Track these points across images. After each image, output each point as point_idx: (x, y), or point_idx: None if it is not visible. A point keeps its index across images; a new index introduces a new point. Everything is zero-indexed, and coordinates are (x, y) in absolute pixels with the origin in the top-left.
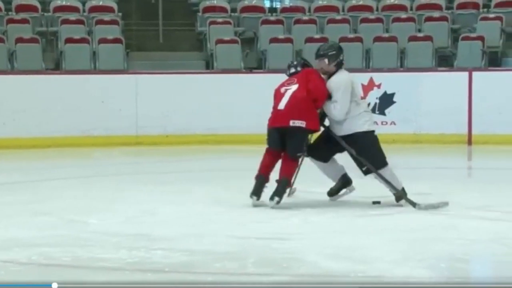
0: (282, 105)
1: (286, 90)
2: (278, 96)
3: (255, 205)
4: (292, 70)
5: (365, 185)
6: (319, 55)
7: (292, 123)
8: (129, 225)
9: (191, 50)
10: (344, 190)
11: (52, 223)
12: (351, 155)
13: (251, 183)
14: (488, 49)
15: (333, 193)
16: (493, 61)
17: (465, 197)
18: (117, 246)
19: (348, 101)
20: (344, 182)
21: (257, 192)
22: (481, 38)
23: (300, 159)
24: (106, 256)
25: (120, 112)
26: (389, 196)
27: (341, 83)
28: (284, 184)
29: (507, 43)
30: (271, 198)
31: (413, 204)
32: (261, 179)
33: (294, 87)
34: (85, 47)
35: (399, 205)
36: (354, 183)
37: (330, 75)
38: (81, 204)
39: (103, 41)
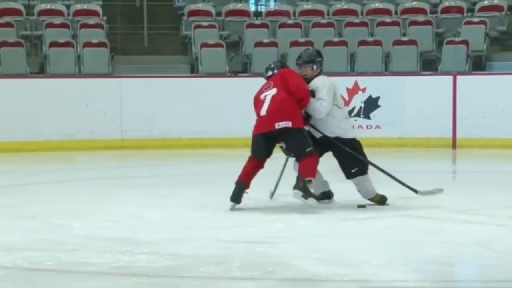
0: (264, 111)
1: (265, 96)
2: (258, 103)
3: (232, 209)
4: (270, 73)
5: (351, 189)
6: (306, 62)
7: (277, 125)
8: (114, 229)
9: (176, 53)
10: (325, 200)
11: (36, 227)
12: (338, 157)
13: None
14: (473, 53)
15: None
16: (477, 65)
17: (450, 201)
18: (101, 251)
19: (331, 101)
20: (326, 196)
21: (236, 197)
22: (465, 42)
23: (288, 158)
24: (91, 260)
25: (105, 116)
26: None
27: (325, 82)
28: (306, 185)
29: (491, 47)
30: (294, 193)
31: (415, 190)
32: (241, 185)
33: (273, 91)
34: (70, 50)
35: (384, 209)
36: (339, 186)
37: (309, 80)
38: (65, 208)
39: (87, 44)
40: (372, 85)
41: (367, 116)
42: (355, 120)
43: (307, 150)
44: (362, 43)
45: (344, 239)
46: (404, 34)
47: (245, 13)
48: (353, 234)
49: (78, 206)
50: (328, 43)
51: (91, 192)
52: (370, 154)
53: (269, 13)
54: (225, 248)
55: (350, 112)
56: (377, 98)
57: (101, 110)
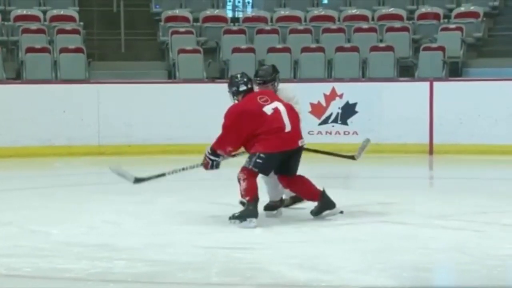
0: (288, 127)
1: (274, 110)
2: (270, 117)
3: (255, 227)
4: (243, 87)
5: (329, 194)
6: (269, 80)
7: (300, 143)
8: (91, 235)
9: (153, 59)
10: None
11: (13, 233)
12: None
13: (214, 193)
14: (449, 59)
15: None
16: (454, 71)
17: (427, 207)
18: (79, 257)
19: None
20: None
21: (254, 213)
22: (442, 49)
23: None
24: (68, 266)
25: (82, 122)
26: (353, 205)
27: (294, 89)
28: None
29: (467, 53)
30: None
31: (351, 157)
32: (256, 202)
33: (279, 105)
34: (46, 56)
35: (362, 215)
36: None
37: None
38: (43, 214)
39: (64, 50)
40: (349, 91)
41: (344, 122)
42: (333, 126)
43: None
44: (339, 49)
45: (322, 244)
46: (381, 40)
47: (222, 19)
48: (330, 239)
49: (56, 212)
50: (305, 49)
51: (68, 198)
52: (347, 160)
53: (247, 19)
54: (204, 254)
55: (327, 118)
56: (354, 104)
57: (78, 116)
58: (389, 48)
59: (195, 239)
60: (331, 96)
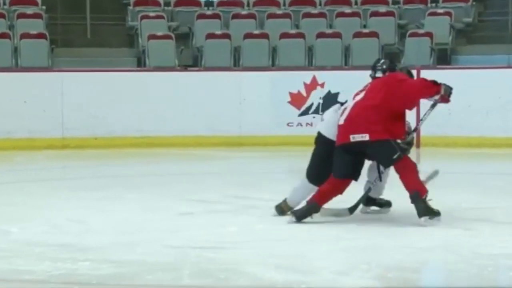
0: (342, 119)
1: (353, 99)
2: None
3: (289, 223)
4: (379, 74)
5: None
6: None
7: (352, 138)
8: (54, 234)
9: (121, 46)
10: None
11: None
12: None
13: (186, 189)
14: (437, 46)
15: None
16: (442, 58)
17: None
18: (40, 257)
19: None
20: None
21: (298, 215)
22: (429, 35)
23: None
24: (29, 268)
25: (45, 113)
26: (336, 202)
27: None
28: (415, 198)
29: (456, 39)
30: (423, 220)
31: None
32: (312, 206)
33: (360, 95)
34: (6, 42)
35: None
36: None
37: None
38: (1, 211)
39: (25, 36)
40: (331, 80)
41: None
42: (313, 117)
43: (394, 156)
44: (321, 35)
45: (302, 243)
46: (364, 26)
47: (195, 3)
48: (311, 238)
49: (16, 209)
50: (284, 35)
51: (29, 194)
52: None
53: (221, 3)
54: (175, 254)
55: (308, 108)
56: (337, 94)
57: (40, 107)
58: (374, 34)
59: (165, 238)
60: (312, 85)
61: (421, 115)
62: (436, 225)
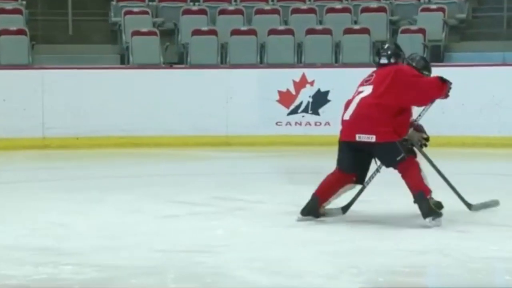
0: (347, 115)
1: (358, 93)
2: (349, 99)
3: (298, 220)
4: (384, 60)
5: (296, 192)
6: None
7: (358, 137)
8: (34, 238)
9: (104, 42)
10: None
11: None
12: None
13: (173, 190)
14: (430, 42)
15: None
16: (435, 55)
17: (405, 204)
18: (21, 262)
19: None
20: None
21: (305, 213)
22: (422, 31)
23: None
24: (9, 272)
25: (25, 112)
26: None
27: None
28: (420, 198)
29: (450, 36)
30: (428, 221)
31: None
32: (313, 200)
33: (368, 89)
34: None
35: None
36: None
37: None
38: None
39: (5, 32)
40: (321, 77)
41: (315, 112)
42: (303, 116)
43: (398, 158)
44: (310, 31)
45: (289, 247)
46: (355, 22)
47: None
48: (298, 241)
49: None
50: (272, 32)
51: (8, 197)
52: (319, 154)
53: None
54: (159, 258)
55: (297, 107)
56: (327, 92)
57: (20, 106)
58: (365, 31)
59: (149, 241)
60: (301, 83)
61: (419, 111)
62: (439, 226)
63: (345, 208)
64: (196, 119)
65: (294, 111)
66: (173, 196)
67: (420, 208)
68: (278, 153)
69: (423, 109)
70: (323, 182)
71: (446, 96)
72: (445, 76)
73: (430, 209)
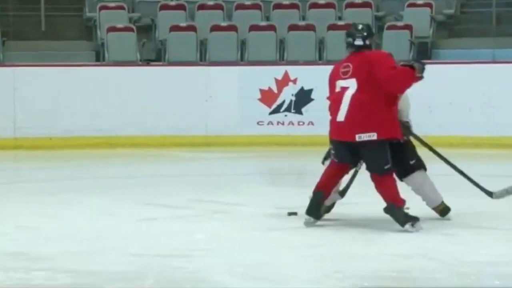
0: (341, 116)
1: (342, 89)
2: (334, 96)
3: (307, 225)
4: (359, 42)
5: (279, 194)
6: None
7: (359, 137)
8: (5, 242)
9: (78, 39)
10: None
11: None
12: None
13: (150, 193)
14: (417, 39)
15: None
16: (423, 53)
17: None
18: None
19: None
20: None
21: (313, 211)
22: (408, 27)
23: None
24: None
25: None
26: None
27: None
28: (392, 209)
29: (437, 32)
30: (408, 227)
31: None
32: (318, 195)
33: (352, 84)
34: None
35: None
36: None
37: None
38: None
39: None
40: (304, 75)
41: (298, 111)
42: (285, 115)
43: (386, 167)
44: (293, 27)
45: (272, 251)
46: (340, 18)
47: None
48: (282, 244)
49: None
50: (253, 28)
51: None
52: (302, 154)
53: None
54: (137, 263)
55: (279, 106)
56: (310, 91)
57: None
58: (349, 27)
59: (126, 245)
60: (284, 81)
61: None
62: (420, 230)
63: (342, 193)
64: (175, 119)
65: (276, 110)
66: (151, 199)
67: (394, 218)
68: (259, 153)
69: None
70: (323, 176)
71: (421, 78)
72: (433, 74)
73: (405, 216)
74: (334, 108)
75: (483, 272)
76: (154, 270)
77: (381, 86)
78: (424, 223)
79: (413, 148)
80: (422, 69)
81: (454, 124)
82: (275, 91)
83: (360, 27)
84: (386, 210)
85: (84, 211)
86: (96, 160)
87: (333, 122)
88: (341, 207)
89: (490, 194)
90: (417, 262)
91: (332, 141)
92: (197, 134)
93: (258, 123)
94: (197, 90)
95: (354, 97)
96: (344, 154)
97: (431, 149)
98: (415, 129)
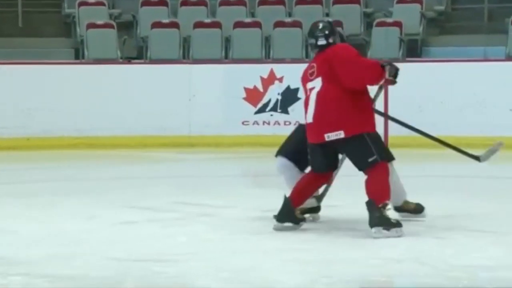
0: (310, 117)
1: (310, 90)
2: (305, 99)
3: (276, 229)
4: (322, 41)
5: (264, 196)
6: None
7: (327, 137)
8: None
9: (57, 36)
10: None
11: None
12: None
13: (131, 195)
14: (406, 36)
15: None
16: (412, 50)
17: None
18: None
19: None
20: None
21: (280, 216)
22: (398, 24)
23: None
24: None
25: None
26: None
27: None
28: (371, 206)
29: (428, 30)
30: (374, 231)
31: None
32: (287, 204)
33: (317, 83)
34: None
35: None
36: (250, 193)
37: None
38: None
39: None
40: (291, 74)
41: (284, 111)
42: (271, 115)
43: (370, 160)
44: (279, 24)
45: (257, 255)
46: (327, 15)
47: None
48: (267, 249)
49: None
50: (238, 24)
51: None
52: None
53: None
54: (117, 268)
55: (265, 105)
56: (297, 89)
57: None
58: (337, 24)
59: (106, 249)
60: (269, 79)
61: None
62: (391, 237)
63: (319, 198)
64: (157, 118)
65: (261, 110)
66: (132, 201)
67: (369, 215)
68: (244, 154)
69: (375, 95)
70: (299, 183)
71: (393, 82)
72: (423, 72)
73: (380, 218)
74: (305, 111)
75: (476, 276)
76: (135, 275)
77: (342, 82)
78: (415, 226)
79: (376, 140)
80: (395, 73)
81: (445, 124)
82: (261, 90)
83: (321, 26)
84: (366, 204)
85: (63, 214)
86: (75, 161)
87: (306, 126)
88: (325, 210)
89: (477, 158)
90: (408, 266)
91: (309, 147)
92: (180, 134)
93: (243, 123)
94: (180, 89)
95: (319, 96)
96: (319, 160)
97: (403, 124)
98: (405, 129)
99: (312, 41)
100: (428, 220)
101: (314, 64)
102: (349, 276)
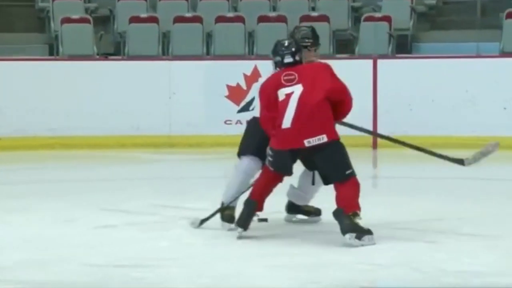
0: (287, 122)
1: (287, 95)
2: (279, 104)
3: (239, 238)
4: (288, 59)
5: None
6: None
7: (308, 143)
8: None
9: (30, 31)
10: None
11: None
12: None
13: (109, 197)
14: (396, 32)
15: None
16: (402, 46)
17: (369, 213)
18: None
19: None
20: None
21: (243, 222)
22: (387, 19)
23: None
24: None
25: None
26: (278, 212)
27: None
28: (339, 214)
29: (418, 24)
30: (349, 237)
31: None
32: (250, 205)
33: (298, 89)
34: None
35: (289, 224)
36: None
37: None
38: None
39: None
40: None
41: None
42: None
43: (347, 172)
44: (263, 19)
45: (241, 260)
46: (313, 9)
47: None
48: (251, 254)
49: None
50: (220, 19)
51: None
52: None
53: None
54: (95, 274)
55: (249, 104)
56: None
57: None
58: (324, 18)
59: (84, 254)
60: (253, 77)
61: None
62: (366, 245)
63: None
64: (135, 117)
65: (245, 108)
66: (110, 204)
67: (339, 223)
68: (227, 155)
69: None
70: (257, 184)
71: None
72: (413, 69)
73: (352, 225)
74: (280, 116)
75: (466, 282)
76: (114, 280)
77: (332, 93)
78: (405, 230)
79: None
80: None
81: (436, 123)
82: (244, 87)
83: (286, 43)
84: (334, 213)
85: (38, 217)
86: (50, 162)
87: (279, 131)
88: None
89: (461, 162)
90: (398, 271)
91: (275, 151)
92: (160, 134)
93: (225, 122)
94: (159, 86)
95: (300, 101)
96: (288, 163)
97: (382, 136)
98: (395, 129)
99: (278, 59)
100: (419, 224)
101: (293, 72)
102: (337, 281)
